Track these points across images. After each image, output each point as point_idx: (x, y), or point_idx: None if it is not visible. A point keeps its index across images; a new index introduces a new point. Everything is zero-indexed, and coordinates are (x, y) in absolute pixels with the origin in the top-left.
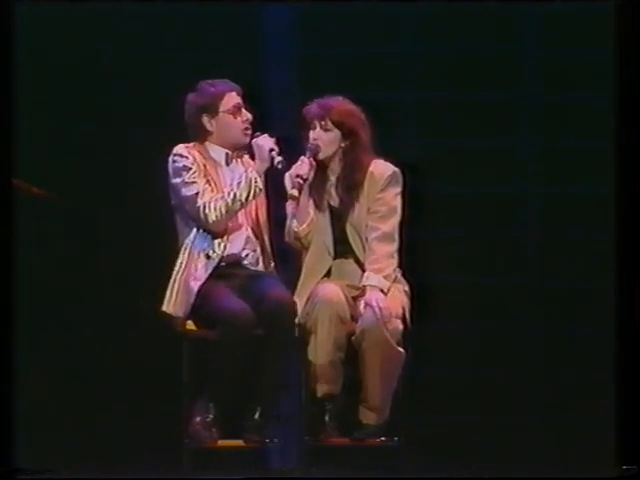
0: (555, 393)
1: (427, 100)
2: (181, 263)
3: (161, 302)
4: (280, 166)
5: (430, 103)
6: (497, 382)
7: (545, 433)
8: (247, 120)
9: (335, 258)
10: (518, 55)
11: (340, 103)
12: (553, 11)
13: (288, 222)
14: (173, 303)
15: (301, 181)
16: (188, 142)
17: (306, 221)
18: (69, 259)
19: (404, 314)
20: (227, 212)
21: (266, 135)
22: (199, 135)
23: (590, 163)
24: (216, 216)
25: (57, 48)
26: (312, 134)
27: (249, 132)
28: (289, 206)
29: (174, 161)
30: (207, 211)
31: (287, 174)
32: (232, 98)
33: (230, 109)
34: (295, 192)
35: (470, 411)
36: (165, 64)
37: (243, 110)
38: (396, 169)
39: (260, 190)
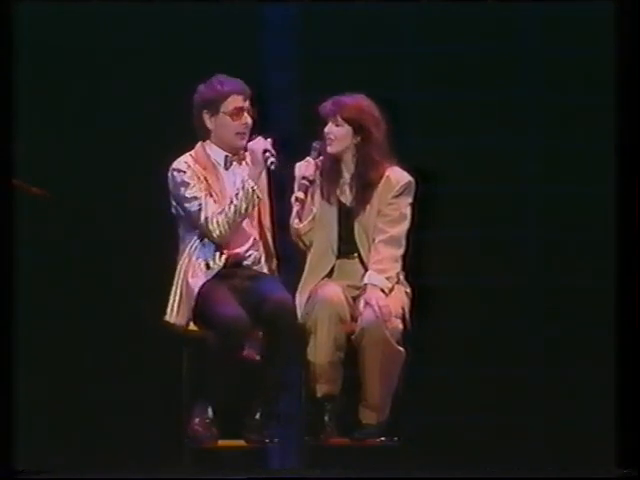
0: (555, 393)
1: (427, 100)
2: (181, 271)
3: (163, 308)
4: (273, 167)
5: (430, 103)
6: (497, 382)
7: (545, 433)
8: (245, 125)
9: (339, 257)
10: (518, 55)
11: (353, 100)
12: (553, 11)
13: (290, 220)
14: (176, 313)
15: (307, 183)
16: (190, 144)
17: (307, 218)
18: (69, 259)
19: (404, 314)
20: (229, 226)
21: (260, 138)
22: (200, 130)
23: (590, 163)
24: (220, 231)
25: (57, 48)
26: (325, 129)
27: (245, 137)
28: (294, 206)
29: (173, 176)
30: (211, 227)
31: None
32: (236, 101)
33: (230, 111)
34: (301, 194)
35: (470, 411)
36: (165, 64)
37: (244, 114)
38: (412, 178)
39: (259, 198)
